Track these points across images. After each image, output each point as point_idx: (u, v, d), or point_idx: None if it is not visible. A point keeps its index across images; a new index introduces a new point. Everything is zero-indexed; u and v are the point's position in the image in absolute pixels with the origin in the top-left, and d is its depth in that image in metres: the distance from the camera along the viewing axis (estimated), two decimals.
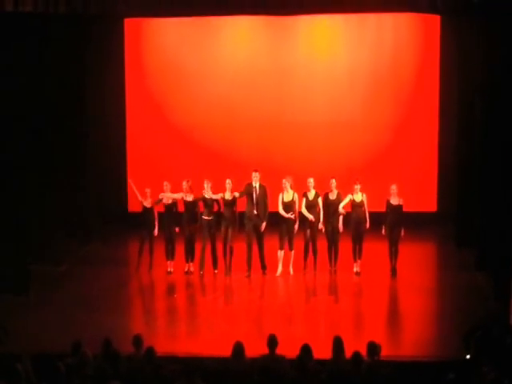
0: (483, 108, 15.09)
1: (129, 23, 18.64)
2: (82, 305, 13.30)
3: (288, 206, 14.90)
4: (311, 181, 14.99)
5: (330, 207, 15.00)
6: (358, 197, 14.98)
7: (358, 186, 14.97)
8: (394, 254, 14.95)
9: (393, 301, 14.17)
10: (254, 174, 15.04)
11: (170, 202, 15.22)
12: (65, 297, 13.83)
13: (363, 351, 9.16)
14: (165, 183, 15.29)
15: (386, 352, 9.87)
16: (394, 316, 13.30)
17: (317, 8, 15.67)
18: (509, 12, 13.06)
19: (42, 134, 15.45)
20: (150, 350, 9.25)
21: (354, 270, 15.09)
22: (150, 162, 18.84)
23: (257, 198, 14.96)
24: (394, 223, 14.80)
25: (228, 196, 15.02)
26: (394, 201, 14.86)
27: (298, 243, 15.09)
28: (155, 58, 18.96)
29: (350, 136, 18.61)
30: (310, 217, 14.85)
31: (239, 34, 18.85)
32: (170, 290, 14.67)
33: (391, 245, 14.94)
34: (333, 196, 15.00)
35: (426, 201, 18.46)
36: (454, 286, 14.22)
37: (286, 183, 14.91)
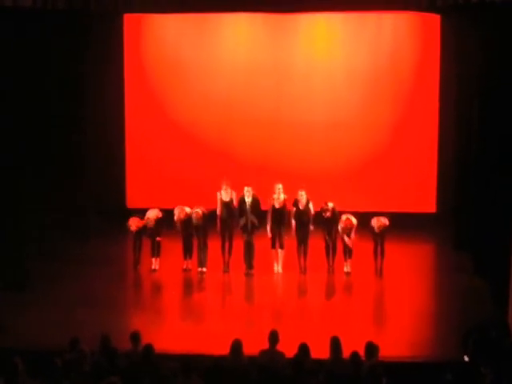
0: (482, 108, 15.06)
1: (128, 19, 18.59)
2: (81, 302, 13.27)
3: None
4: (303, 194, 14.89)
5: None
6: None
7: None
8: (381, 254, 14.88)
9: (390, 302, 14.11)
10: (246, 188, 14.91)
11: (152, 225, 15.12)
12: (63, 294, 13.79)
13: (359, 351, 9.16)
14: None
15: (383, 353, 9.85)
16: (391, 317, 13.24)
17: (316, 6, 15.65)
18: (508, 12, 13.05)
19: (41, 132, 15.40)
20: (148, 348, 9.22)
21: (345, 269, 15.03)
22: (148, 159, 18.81)
23: (249, 213, 14.94)
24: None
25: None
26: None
27: (292, 243, 15.13)
28: (154, 54, 18.93)
29: (348, 136, 18.55)
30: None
31: (238, 31, 18.83)
32: (169, 287, 14.65)
33: (376, 245, 14.85)
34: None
35: (425, 201, 18.40)
36: (451, 288, 14.17)
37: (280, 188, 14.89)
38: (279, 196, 14.85)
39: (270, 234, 14.92)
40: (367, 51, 18.53)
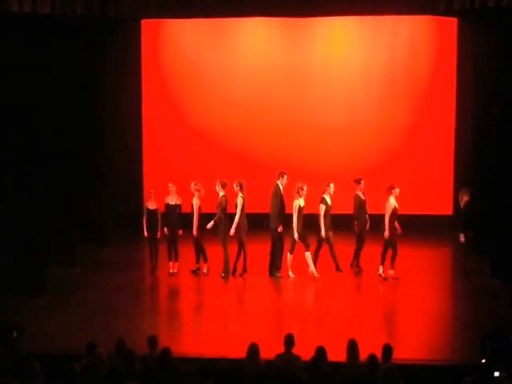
0: (500, 110, 15.03)
1: (146, 24, 18.70)
2: (98, 307, 13.37)
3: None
4: (332, 186, 14.94)
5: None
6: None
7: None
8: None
9: (407, 304, 14.08)
10: (283, 177, 15.01)
11: (173, 202, 15.21)
12: (80, 299, 13.88)
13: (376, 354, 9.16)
14: (170, 185, 15.31)
15: (401, 355, 9.86)
16: (408, 320, 13.21)
17: (333, 10, 15.67)
18: None
19: (58, 137, 15.45)
20: (166, 351, 9.25)
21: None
22: (166, 164, 18.89)
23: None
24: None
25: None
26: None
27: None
28: (172, 59, 19.05)
29: (365, 137, 18.60)
30: (322, 233, 14.84)
31: (255, 35, 18.92)
32: (185, 291, 14.75)
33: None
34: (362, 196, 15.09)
35: (442, 203, 18.37)
36: (468, 291, 14.17)
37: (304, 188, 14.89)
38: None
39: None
40: (384, 54, 18.58)
